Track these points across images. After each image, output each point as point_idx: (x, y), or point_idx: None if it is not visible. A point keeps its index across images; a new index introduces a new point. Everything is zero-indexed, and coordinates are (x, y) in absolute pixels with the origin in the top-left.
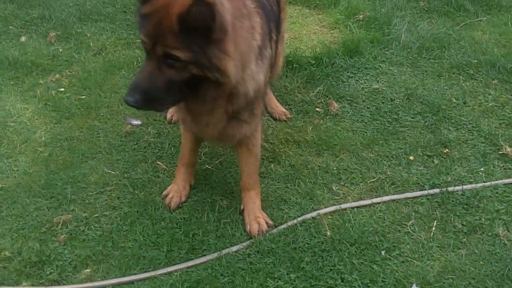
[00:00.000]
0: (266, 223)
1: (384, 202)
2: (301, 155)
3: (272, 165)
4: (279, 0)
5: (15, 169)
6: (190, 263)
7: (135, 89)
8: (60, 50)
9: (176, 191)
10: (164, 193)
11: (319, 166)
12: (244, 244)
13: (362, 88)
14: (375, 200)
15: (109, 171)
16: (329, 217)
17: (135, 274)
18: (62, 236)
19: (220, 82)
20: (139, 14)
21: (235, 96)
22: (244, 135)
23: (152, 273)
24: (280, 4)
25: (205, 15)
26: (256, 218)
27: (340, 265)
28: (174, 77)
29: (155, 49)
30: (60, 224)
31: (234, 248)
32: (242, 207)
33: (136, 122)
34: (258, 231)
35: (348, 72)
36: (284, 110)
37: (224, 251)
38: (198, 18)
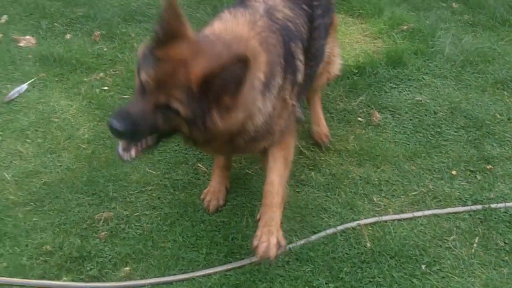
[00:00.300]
0: (279, 243)
1: (426, 216)
2: (342, 164)
3: (312, 173)
4: (327, 26)
5: (59, 164)
6: (229, 266)
7: (126, 118)
8: (105, 49)
9: (212, 193)
10: (202, 196)
11: (360, 177)
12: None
13: (405, 99)
14: (416, 213)
15: (150, 171)
16: (369, 228)
17: (174, 274)
18: (103, 233)
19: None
20: (149, 52)
21: (241, 134)
22: (266, 147)
23: (191, 274)
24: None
25: (236, 76)
26: (269, 235)
27: (379, 277)
28: (161, 125)
29: (158, 95)
30: (101, 221)
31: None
32: (258, 216)
33: None
34: (263, 253)
35: (391, 82)
36: (326, 131)
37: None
38: (228, 78)
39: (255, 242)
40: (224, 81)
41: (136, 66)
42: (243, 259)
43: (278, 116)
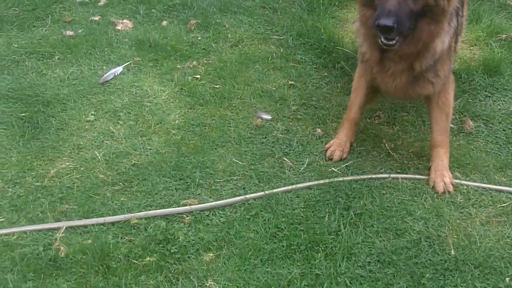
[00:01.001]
0: (452, 183)
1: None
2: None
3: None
4: None
5: (148, 147)
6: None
7: (389, 14)
8: (199, 38)
9: (338, 145)
10: (327, 146)
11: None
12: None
13: (499, 109)
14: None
15: (236, 161)
16: (455, 236)
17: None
18: (188, 218)
19: (441, 14)
20: None
21: (425, 53)
22: (429, 94)
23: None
24: None
25: None
26: (442, 176)
27: (462, 286)
28: (412, 8)
29: None
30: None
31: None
32: (430, 164)
33: (267, 116)
34: (443, 189)
35: (486, 91)
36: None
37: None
38: None
39: (431, 184)
40: None
41: None
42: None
43: (448, 55)
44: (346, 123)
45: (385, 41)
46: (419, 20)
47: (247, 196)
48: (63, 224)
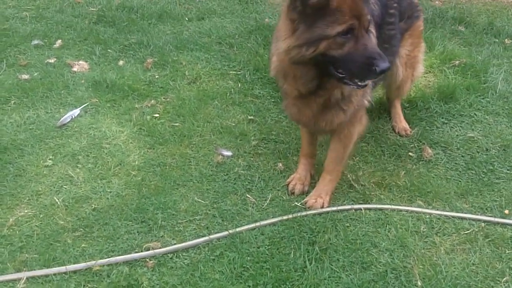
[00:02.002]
0: (323, 204)
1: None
2: (392, 199)
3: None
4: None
5: (108, 190)
6: None
7: (383, 57)
8: (156, 76)
9: (298, 179)
10: (288, 180)
11: (411, 213)
12: None
13: (457, 135)
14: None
15: (199, 200)
16: (421, 266)
17: None
18: (151, 262)
19: None
20: None
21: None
22: (340, 123)
23: None
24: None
25: None
26: (317, 197)
27: None
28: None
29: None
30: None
31: None
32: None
33: (227, 153)
34: (311, 204)
35: (442, 118)
36: (405, 126)
37: None
38: None
39: (305, 200)
40: None
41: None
42: None
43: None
44: (302, 159)
45: (360, 83)
46: None
47: (211, 236)
48: (24, 274)
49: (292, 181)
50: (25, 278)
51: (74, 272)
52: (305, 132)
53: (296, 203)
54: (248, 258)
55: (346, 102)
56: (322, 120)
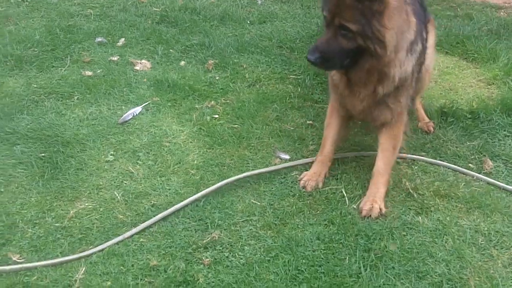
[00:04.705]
0: (380, 210)
1: None
2: (450, 210)
3: (419, 217)
4: (425, 8)
5: (167, 188)
6: None
7: (315, 50)
8: (217, 78)
9: (311, 175)
10: (301, 177)
11: (469, 225)
12: None
13: None
14: None
15: (255, 201)
16: (477, 278)
17: None
18: (207, 260)
19: (378, 54)
20: None
21: (384, 79)
22: (386, 120)
23: None
24: (426, 13)
25: None
26: (373, 202)
27: None
28: (345, 46)
29: (334, 21)
30: (206, 247)
31: None
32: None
33: (285, 156)
34: (365, 214)
35: (505, 130)
36: (428, 121)
37: None
38: None
39: (360, 206)
40: None
41: (320, 8)
42: None
43: (410, 83)
44: (320, 158)
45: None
46: (363, 53)
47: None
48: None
49: (304, 177)
50: (84, 269)
51: (132, 265)
52: (332, 129)
53: (353, 205)
54: (303, 261)
55: (393, 101)
56: (370, 114)
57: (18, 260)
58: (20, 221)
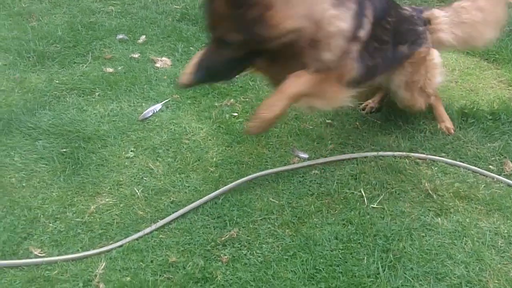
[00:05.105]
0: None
1: None
2: (470, 212)
3: (439, 219)
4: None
5: (187, 185)
6: None
7: (198, 68)
8: (236, 76)
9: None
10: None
11: (488, 227)
12: None
13: None
14: None
15: (274, 200)
16: (496, 281)
17: None
18: (226, 257)
19: (296, 42)
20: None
21: (316, 46)
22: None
23: None
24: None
25: None
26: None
27: None
28: (233, 55)
29: (214, 33)
30: (225, 245)
31: None
32: None
33: (304, 155)
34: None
35: None
36: (448, 126)
37: None
38: None
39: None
40: None
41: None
42: None
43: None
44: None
45: None
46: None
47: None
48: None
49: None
50: (104, 264)
51: (151, 261)
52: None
53: (372, 205)
54: (321, 260)
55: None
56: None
57: (39, 254)
58: (42, 216)
